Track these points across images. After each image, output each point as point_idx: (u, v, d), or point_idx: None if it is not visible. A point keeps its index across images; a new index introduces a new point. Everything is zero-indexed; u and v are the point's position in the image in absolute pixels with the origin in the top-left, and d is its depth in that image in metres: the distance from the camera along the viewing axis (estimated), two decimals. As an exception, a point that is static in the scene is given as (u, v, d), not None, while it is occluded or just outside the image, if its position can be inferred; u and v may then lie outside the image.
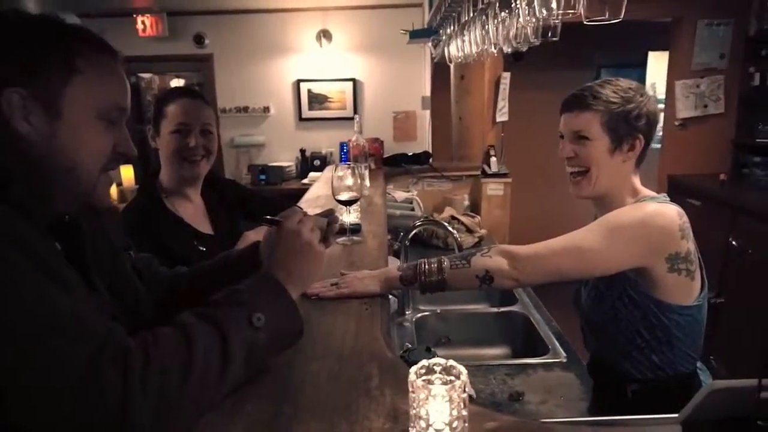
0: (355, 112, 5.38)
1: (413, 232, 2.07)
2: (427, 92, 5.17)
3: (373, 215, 1.96)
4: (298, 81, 5.33)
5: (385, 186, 2.77)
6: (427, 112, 5.22)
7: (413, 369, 0.66)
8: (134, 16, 4.95)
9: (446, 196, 3.29)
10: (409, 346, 1.40)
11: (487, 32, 1.59)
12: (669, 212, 1.14)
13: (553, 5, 1.15)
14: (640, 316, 1.18)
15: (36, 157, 0.72)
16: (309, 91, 5.39)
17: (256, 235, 1.45)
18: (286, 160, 5.41)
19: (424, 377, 0.66)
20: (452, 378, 0.66)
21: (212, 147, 1.54)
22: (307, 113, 5.43)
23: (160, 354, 0.66)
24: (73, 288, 0.69)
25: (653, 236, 1.12)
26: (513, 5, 1.31)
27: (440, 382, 0.66)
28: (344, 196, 1.54)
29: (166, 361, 0.66)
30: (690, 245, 1.15)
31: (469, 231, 2.90)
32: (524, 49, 1.72)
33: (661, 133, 3.91)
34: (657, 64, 5.28)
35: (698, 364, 1.26)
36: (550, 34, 1.41)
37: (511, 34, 1.49)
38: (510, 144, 3.90)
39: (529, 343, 1.93)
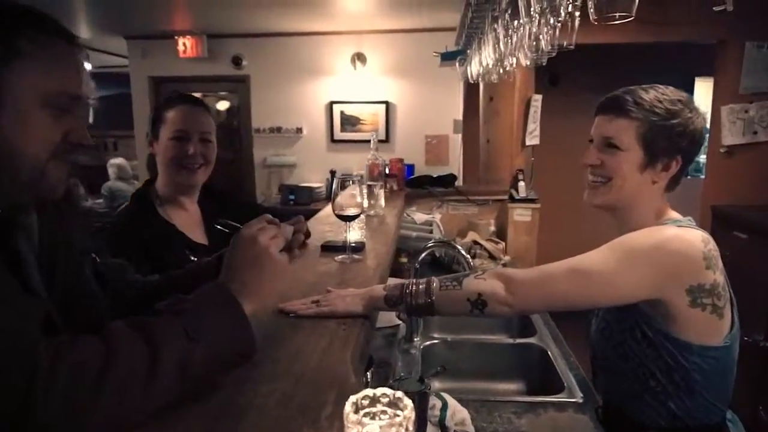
0: (387, 134, 5.36)
1: (423, 255, 1.96)
2: (460, 115, 5.10)
3: (381, 234, 1.88)
4: (332, 103, 5.36)
5: (404, 207, 2.68)
6: (459, 136, 5.14)
7: (352, 398, 0.56)
8: (176, 37, 5.11)
9: (471, 221, 3.18)
10: (402, 375, 1.29)
11: (504, 43, 1.50)
12: (691, 237, 1.00)
13: (562, 10, 1.06)
14: (654, 356, 1.03)
15: None
16: (342, 112, 5.41)
17: None
18: (316, 180, 5.41)
19: (366, 409, 0.56)
20: (397, 413, 0.56)
21: (210, 156, 1.50)
22: (339, 135, 5.44)
23: (74, 356, 0.61)
24: None
25: (671, 264, 0.98)
26: (521, 13, 1.22)
27: (386, 416, 0.56)
28: (344, 211, 1.47)
29: (77, 365, 0.60)
30: (717, 277, 1.00)
31: (492, 257, 2.78)
32: (543, 61, 1.62)
33: (704, 160, 3.68)
34: (706, 91, 5.05)
35: (728, 415, 1.09)
36: (565, 43, 1.31)
37: (525, 44, 1.39)
38: (541, 169, 3.76)
39: (545, 378, 1.77)
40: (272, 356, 0.87)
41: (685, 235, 1.00)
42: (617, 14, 0.95)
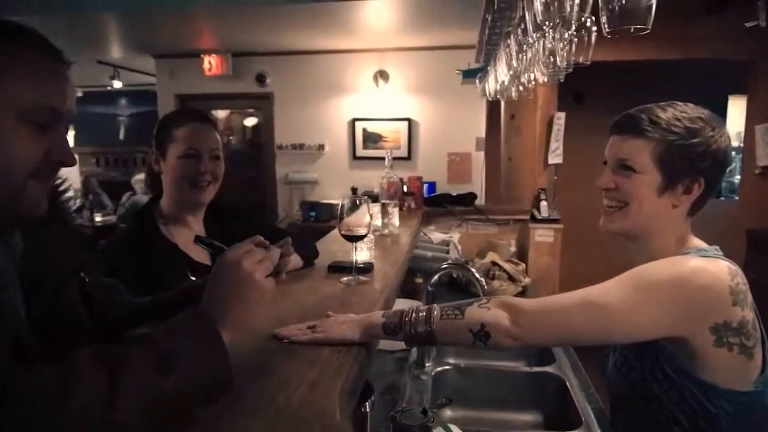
0: (410, 152, 5.33)
1: (435, 277, 1.89)
2: (482, 133, 5.04)
3: (392, 255, 1.82)
4: (354, 120, 5.37)
5: (420, 226, 2.62)
6: (482, 154, 5.07)
7: None
8: (201, 56, 5.21)
9: (491, 241, 3.09)
10: (405, 406, 1.22)
11: (517, 59, 1.45)
12: (716, 270, 0.91)
13: (573, 23, 1.00)
14: (676, 398, 0.94)
15: None
16: (364, 129, 5.41)
17: None
18: (337, 197, 5.38)
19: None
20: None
21: (219, 173, 1.47)
22: (361, 152, 5.43)
23: (28, 387, 0.57)
24: None
25: (694, 300, 0.89)
26: (529, 27, 1.17)
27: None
28: (351, 231, 1.42)
29: (29, 398, 0.57)
30: (747, 313, 0.91)
31: (512, 279, 2.68)
32: (561, 78, 1.56)
33: (738, 180, 3.53)
34: (740, 110, 4.87)
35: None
36: (582, 59, 1.25)
37: (540, 59, 1.34)
38: (565, 188, 3.66)
39: (562, 410, 1.67)
40: (257, 387, 0.82)
41: (710, 267, 0.91)
42: (632, 27, 0.88)
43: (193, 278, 1.39)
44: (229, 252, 0.79)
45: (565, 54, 1.31)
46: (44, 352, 0.73)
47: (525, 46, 1.40)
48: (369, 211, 1.47)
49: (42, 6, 3.62)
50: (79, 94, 7.66)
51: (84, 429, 0.58)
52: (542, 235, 2.96)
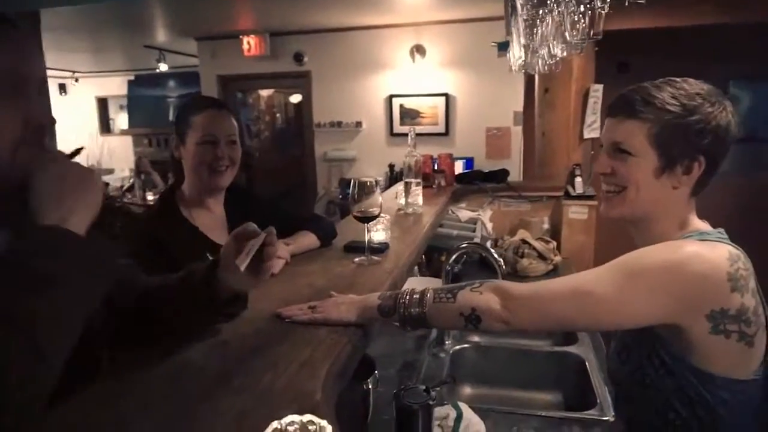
0: (447, 127, 5.26)
1: (454, 256, 1.90)
2: (520, 107, 4.90)
3: (410, 235, 1.83)
4: (391, 96, 5.34)
5: (447, 204, 2.61)
6: (520, 128, 4.95)
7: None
8: (240, 37, 5.29)
9: (523, 218, 3.04)
10: (410, 384, 1.25)
11: (526, 33, 1.41)
12: (714, 256, 0.88)
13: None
14: (673, 387, 0.92)
15: None
16: (401, 106, 5.38)
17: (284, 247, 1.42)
18: (375, 174, 5.42)
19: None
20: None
21: (236, 157, 1.52)
22: (398, 128, 5.41)
23: None
24: None
25: (687, 288, 0.86)
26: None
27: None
28: (362, 212, 1.45)
29: None
30: (747, 300, 0.87)
31: (542, 257, 2.64)
32: (579, 50, 1.51)
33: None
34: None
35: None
36: (592, 33, 1.20)
37: (551, 33, 1.30)
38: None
39: (581, 391, 1.66)
40: (248, 367, 0.87)
41: (707, 254, 0.88)
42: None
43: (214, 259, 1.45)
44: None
45: (580, 28, 1.27)
46: None
47: (537, 20, 1.36)
48: (379, 193, 1.48)
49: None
50: (131, 78, 7.97)
51: (31, 385, 0.58)
52: (576, 212, 2.89)
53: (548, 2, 1.09)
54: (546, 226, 3.03)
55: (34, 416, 0.60)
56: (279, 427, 0.54)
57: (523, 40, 1.55)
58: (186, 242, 1.45)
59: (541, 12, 1.28)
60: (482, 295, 0.96)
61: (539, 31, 1.39)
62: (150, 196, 6.28)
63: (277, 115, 6.48)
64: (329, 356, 0.91)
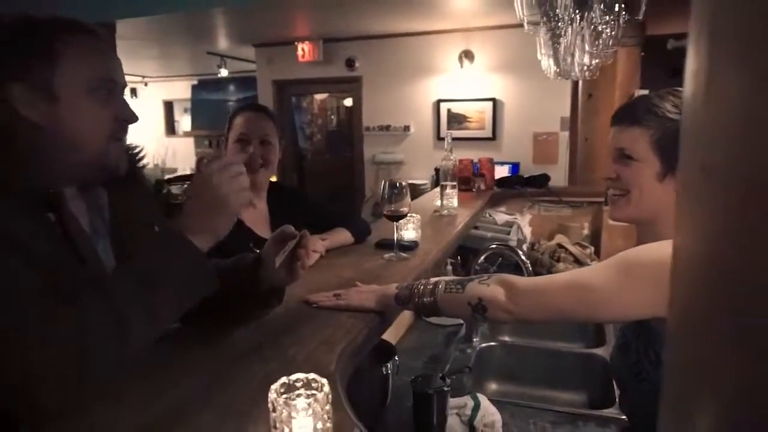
0: (494, 132, 5.29)
1: (482, 257, 1.97)
2: (567, 112, 4.87)
3: (441, 235, 1.92)
4: (439, 101, 5.42)
5: (484, 207, 2.67)
6: (566, 134, 4.91)
7: (273, 387, 0.65)
8: (295, 43, 5.53)
9: (563, 223, 3.06)
10: (428, 373, 1.34)
11: (551, 43, 1.47)
12: None
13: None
14: None
15: (47, 138, 0.81)
16: (449, 110, 5.45)
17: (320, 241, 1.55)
18: (422, 177, 5.52)
19: (285, 395, 0.65)
20: (314, 392, 0.65)
21: (270, 156, 1.64)
22: (445, 132, 5.47)
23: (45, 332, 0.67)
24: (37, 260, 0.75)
25: None
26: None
27: (303, 397, 0.65)
28: (392, 211, 1.55)
29: (46, 346, 0.67)
30: None
31: (578, 262, 2.66)
32: (609, 60, 1.57)
33: None
34: None
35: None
36: (611, 42, 1.26)
37: (576, 44, 1.36)
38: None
39: (605, 392, 1.70)
40: (277, 341, 0.99)
41: None
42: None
43: (257, 250, 1.60)
44: (204, 168, 0.88)
45: (602, 41, 1.33)
46: None
47: (559, 32, 1.43)
48: (408, 194, 1.59)
49: (161, 6, 4.07)
50: (194, 82, 8.43)
51: (105, 355, 0.70)
52: (617, 218, 2.88)
53: (565, 17, 1.16)
54: (586, 231, 3.03)
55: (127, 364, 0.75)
56: (287, 381, 0.65)
57: (545, 50, 1.61)
58: (231, 234, 1.60)
59: (561, 24, 1.35)
60: (489, 287, 1.04)
61: (563, 42, 1.45)
62: (209, 195, 6.64)
63: (331, 117, 6.70)
64: (347, 337, 1.02)
